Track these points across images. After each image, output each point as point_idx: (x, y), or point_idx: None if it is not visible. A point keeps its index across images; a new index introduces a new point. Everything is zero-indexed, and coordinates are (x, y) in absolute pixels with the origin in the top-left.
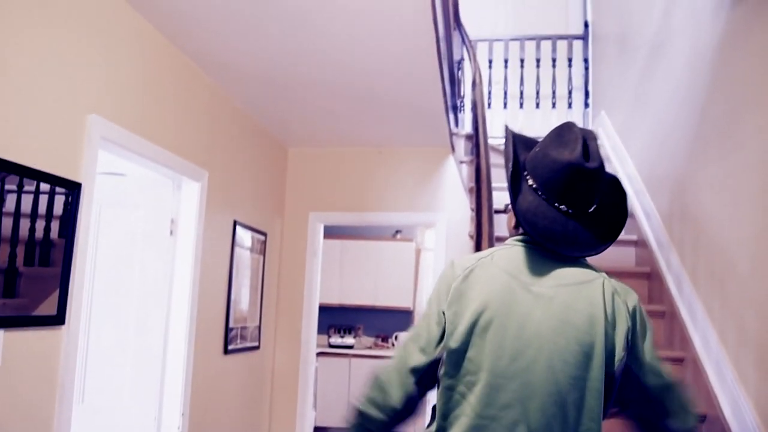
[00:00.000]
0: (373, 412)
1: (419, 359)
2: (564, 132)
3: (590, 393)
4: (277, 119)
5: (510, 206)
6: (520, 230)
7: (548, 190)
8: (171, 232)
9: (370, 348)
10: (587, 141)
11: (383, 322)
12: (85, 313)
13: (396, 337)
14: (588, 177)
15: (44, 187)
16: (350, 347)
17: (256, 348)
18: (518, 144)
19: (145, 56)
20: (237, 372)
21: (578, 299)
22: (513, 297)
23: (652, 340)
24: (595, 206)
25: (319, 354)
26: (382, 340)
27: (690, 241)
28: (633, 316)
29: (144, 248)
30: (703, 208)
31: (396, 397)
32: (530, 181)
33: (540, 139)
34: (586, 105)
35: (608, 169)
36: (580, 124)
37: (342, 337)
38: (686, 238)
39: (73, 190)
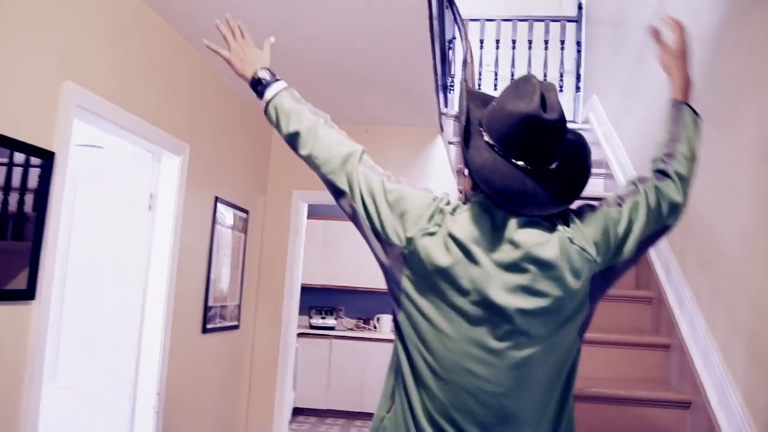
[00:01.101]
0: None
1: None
2: (521, 84)
3: (560, 348)
4: None
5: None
6: (478, 190)
7: (505, 145)
8: (149, 207)
9: (351, 330)
10: (546, 92)
11: (365, 303)
12: (58, 290)
13: (378, 319)
14: (547, 129)
15: (18, 158)
16: (331, 329)
17: (236, 327)
18: (474, 99)
19: (126, 23)
20: (215, 351)
21: (536, 264)
22: (472, 265)
23: (615, 225)
24: (556, 163)
25: (299, 335)
26: (364, 322)
27: (680, 227)
28: (597, 251)
29: (121, 223)
30: (694, 194)
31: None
32: (486, 137)
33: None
34: (578, 89)
35: (599, 154)
36: (570, 108)
37: (323, 318)
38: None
39: (46, 159)
